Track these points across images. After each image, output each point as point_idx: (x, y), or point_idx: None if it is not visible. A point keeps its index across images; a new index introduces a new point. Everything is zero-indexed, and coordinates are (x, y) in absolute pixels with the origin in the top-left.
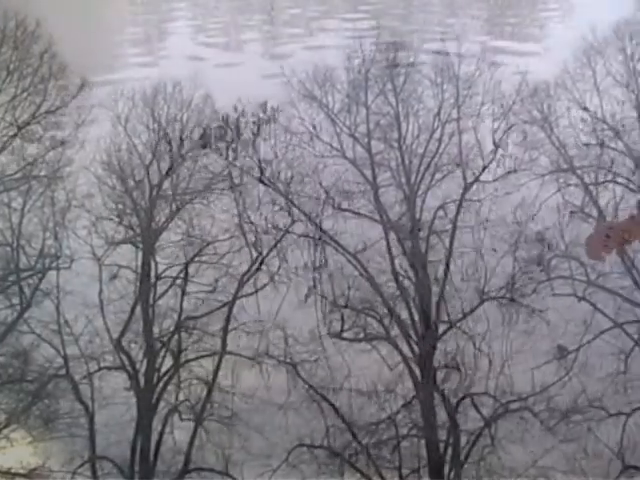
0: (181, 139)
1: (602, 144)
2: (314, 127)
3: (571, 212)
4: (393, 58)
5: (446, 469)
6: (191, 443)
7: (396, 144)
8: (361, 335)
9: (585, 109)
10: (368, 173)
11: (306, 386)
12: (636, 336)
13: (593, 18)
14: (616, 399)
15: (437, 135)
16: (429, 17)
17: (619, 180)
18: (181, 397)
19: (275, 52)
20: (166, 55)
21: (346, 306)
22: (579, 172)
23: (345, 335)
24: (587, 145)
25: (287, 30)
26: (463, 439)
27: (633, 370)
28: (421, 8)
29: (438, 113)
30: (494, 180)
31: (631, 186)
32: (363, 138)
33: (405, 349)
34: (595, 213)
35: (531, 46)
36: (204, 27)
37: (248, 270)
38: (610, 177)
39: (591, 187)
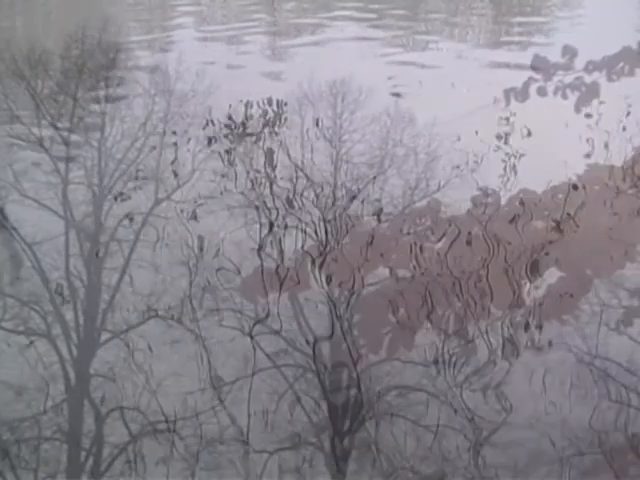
0: None
1: (294, 193)
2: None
3: (253, 249)
4: (113, 59)
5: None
6: None
7: (96, 144)
8: (21, 328)
9: (288, 155)
10: (62, 166)
11: None
12: (292, 379)
13: None
14: (263, 437)
15: (139, 145)
16: None
17: (306, 229)
18: None
19: None
20: None
21: (10, 295)
22: (267, 212)
23: (4, 325)
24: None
25: None
26: (107, 451)
27: (283, 410)
28: None
29: (144, 123)
30: (184, 202)
31: (314, 236)
32: (64, 130)
33: (64, 351)
34: (276, 254)
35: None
36: None
37: None
38: (297, 223)
39: (277, 229)
